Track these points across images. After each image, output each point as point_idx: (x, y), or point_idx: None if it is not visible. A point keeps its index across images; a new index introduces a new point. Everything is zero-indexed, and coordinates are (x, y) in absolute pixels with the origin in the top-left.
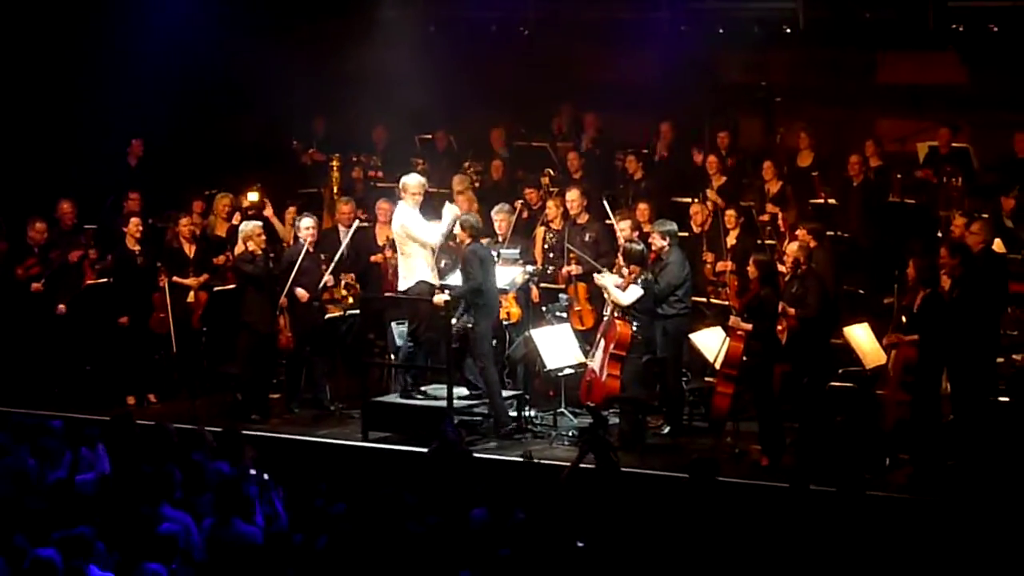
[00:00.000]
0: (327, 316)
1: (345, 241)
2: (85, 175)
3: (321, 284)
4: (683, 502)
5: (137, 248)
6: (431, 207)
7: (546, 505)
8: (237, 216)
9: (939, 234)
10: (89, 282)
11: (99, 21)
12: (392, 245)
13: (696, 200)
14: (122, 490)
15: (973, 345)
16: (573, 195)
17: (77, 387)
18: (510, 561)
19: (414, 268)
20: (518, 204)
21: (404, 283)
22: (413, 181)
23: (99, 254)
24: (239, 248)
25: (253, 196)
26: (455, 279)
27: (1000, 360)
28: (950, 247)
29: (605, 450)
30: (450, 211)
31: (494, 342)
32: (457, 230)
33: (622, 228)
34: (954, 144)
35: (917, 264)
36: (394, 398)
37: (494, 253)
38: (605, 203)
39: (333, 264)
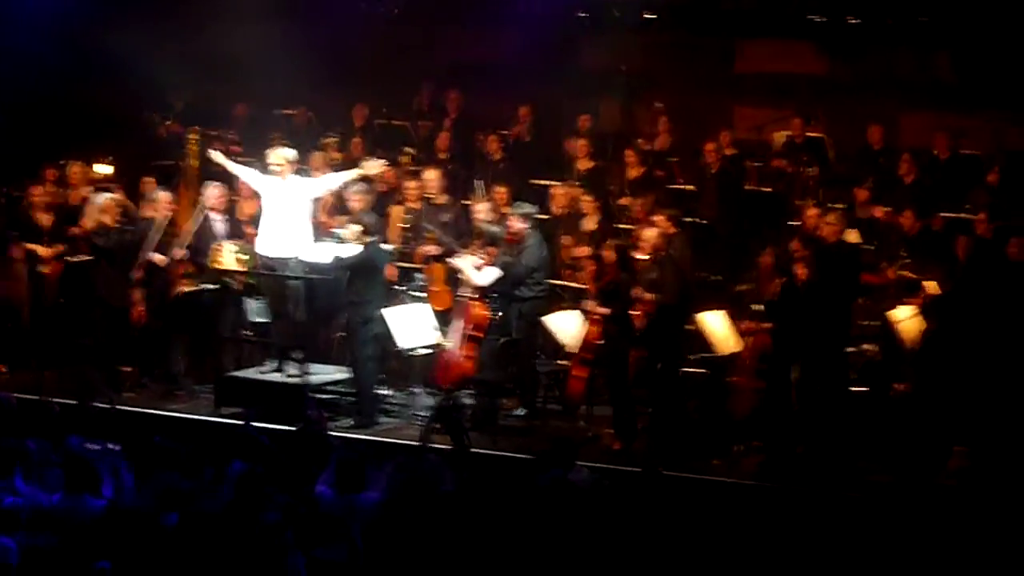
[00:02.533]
0: (185, 291)
1: (199, 219)
2: None
3: (170, 258)
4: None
5: None
6: None
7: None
8: (88, 188)
9: (794, 223)
10: None
11: None
12: (255, 221)
13: (560, 183)
14: None
15: (825, 334)
16: (432, 175)
17: None
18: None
19: (292, 236)
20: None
21: (275, 250)
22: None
23: None
24: (91, 221)
25: (105, 168)
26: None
27: (852, 350)
28: (802, 237)
29: (458, 432)
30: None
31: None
32: (355, 227)
33: (480, 209)
34: (809, 134)
35: (773, 253)
36: (248, 374)
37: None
38: (477, 183)
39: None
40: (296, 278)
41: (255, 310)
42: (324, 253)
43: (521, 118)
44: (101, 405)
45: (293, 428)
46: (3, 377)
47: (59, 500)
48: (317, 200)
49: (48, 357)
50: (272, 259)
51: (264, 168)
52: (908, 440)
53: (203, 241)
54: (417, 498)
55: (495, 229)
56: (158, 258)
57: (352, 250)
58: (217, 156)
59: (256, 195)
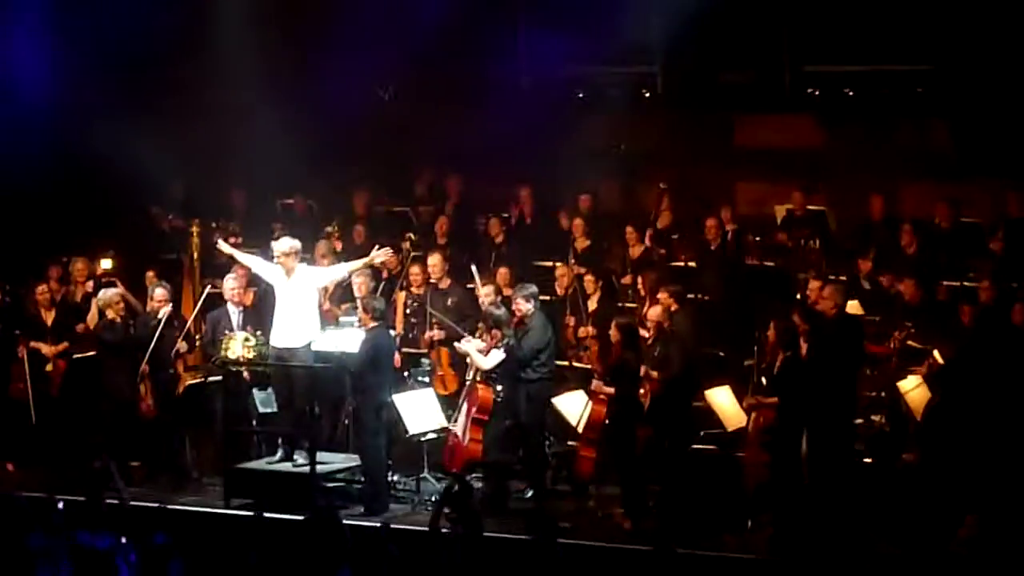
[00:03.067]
0: (188, 383)
1: (196, 308)
2: None
3: (174, 352)
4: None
5: None
6: None
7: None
8: (90, 284)
9: (797, 296)
10: None
11: None
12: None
13: (561, 264)
14: None
15: (830, 407)
16: (435, 260)
17: None
18: None
19: (303, 327)
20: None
21: (289, 340)
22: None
23: None
24: (92, 315)
25: (107, 263)
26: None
27: (859, 421)
28: (802, 312)
29: (471, 517)
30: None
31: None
32: (360, 312)
33: (484, 292)
34: (810, 207)
35: (777, 327)
36: (257, 465)
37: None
38: (473, 268)
39: (184, 331)
40: (302, 367)
41: (262, 401)
42: (332, 341)
43: (522, 199)
44: (111, 500)
45: (302, 517)
46: (11, 475)
47: None
48: (323, 288)
49: (56, 453)
50: (284, 350)
51: (269, 258)
52: (918, 510)
53: (218, 333)
54: None
55: (499, 312)
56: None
57: (358, 336)
58: (225, 247)
59: (253, 284)
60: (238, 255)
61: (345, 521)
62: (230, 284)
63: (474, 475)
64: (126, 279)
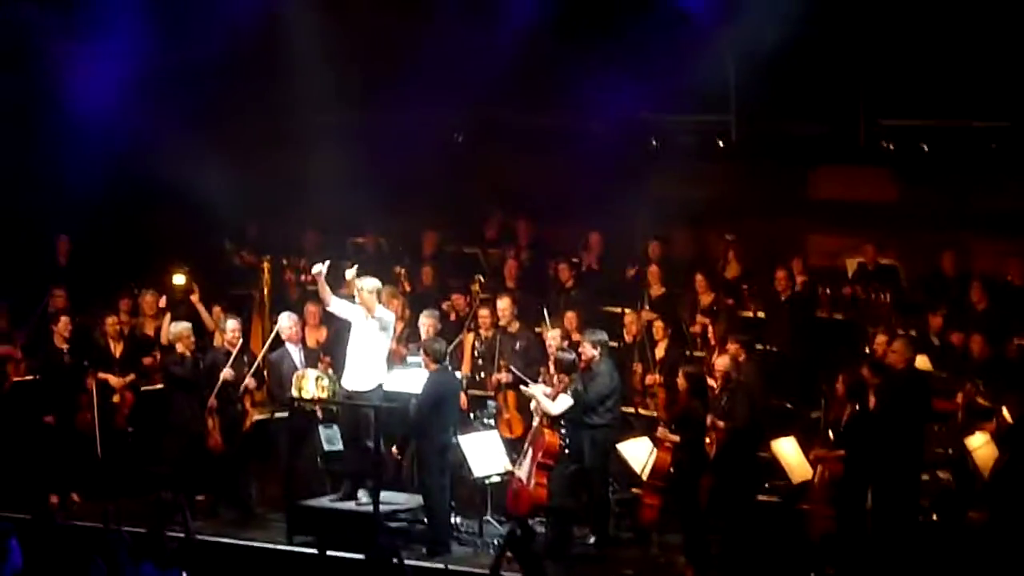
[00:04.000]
0: (255, 419)
1: (265, 345)
2: (12, 274)
3: (242, 387)
4: None
5: (65, 346)
6: None
7: None
8: (164, 300)
9: (867, 350)
10: (15, 379)
11: (23, 116)
12: (324, 349)
13: (630, 310)
14: None
15: (896, 461)
16: (504, 303)
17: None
18: None
19: (375, 369)
20: (446, 307)
21: (361, 384)
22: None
23: (24, 355)
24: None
25: (179, 279)
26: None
27: (926, 478)
28: (871, 366)
29: (532, 562)
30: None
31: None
32: (422, 355)
33: (552, 337)
34: (882, 261)
35: (846, 380)
36: (320, 502)
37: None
38: (544, 312)
39: (253, 367)
40: (369, 406)
41: (327, 438)
42: (398, 381)
43: (592, 245)
44: (176, 534)
45: (363, 556)
46: (76, 506)
47: None
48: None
49: (121, 486)
50: (354, 392)
51: (349, 298)
52: (985, 570)
53: (281, 371)
54: None
55: (568, 356)
56: (226, 373)
57: (423, 377)
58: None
59: (323, 323)
60: (331, 300)
61: (407, 562)
62: (286, 323)
63: (538, 519)
64: (201, 294)
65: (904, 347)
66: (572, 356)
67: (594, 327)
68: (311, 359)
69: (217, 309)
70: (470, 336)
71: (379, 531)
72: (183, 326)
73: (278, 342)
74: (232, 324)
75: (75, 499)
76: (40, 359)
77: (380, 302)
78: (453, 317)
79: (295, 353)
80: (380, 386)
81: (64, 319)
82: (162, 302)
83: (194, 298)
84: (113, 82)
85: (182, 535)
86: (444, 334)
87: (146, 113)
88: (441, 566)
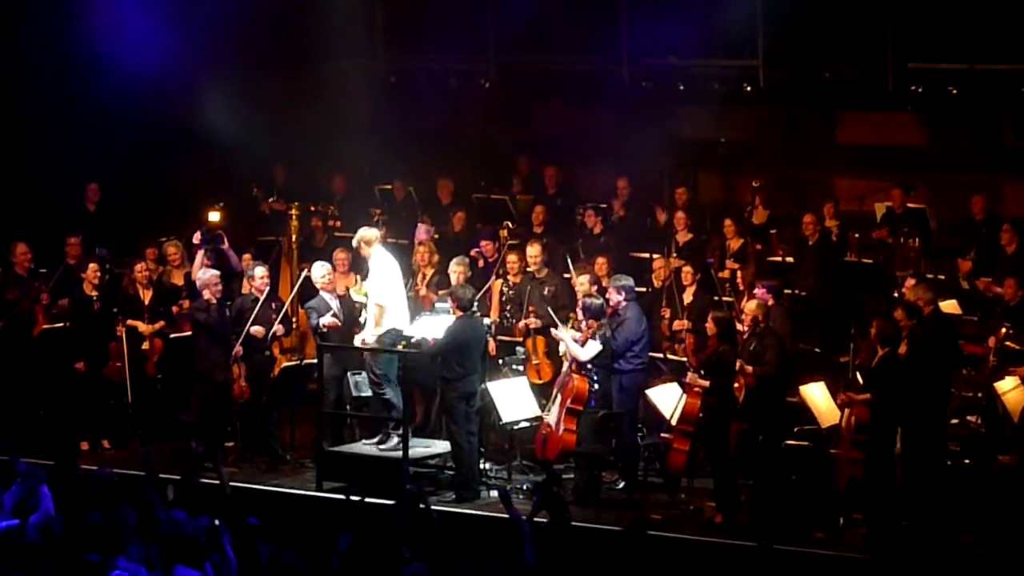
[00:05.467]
0: (285, 365)
1: (293, 292)
2: (40, 219)
3: (270, 334)
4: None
5: (94, 293)
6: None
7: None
8: (197, 236)
9: (895, 294)
10: (45, 326)
11: (53, 62)
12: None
13: (659, 256)
14: (71, 537)
15: (925, 405)
16: (534, 250)
17: (30, 431)
18: None
19: (385, 315)
20: (474, 253)
21: (374, 330)
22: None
23: (51, 299)
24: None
25: (214, 216)
26: (417, 328)
27: (955, 421)
28: (906, 308)
29: (558, 506)
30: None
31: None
32: (449, 301)
33: (580, 283)
34: (910, 205)
35: (879, 324)
36: (350, 448)
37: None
38: (568, 259)
39: (281, 314)
40: (392, 351)
41: (356, 384)
42: (426, 327)
43: (619, 191)
44: (207, 480)
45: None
46: (107, 453)
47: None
48: (421, 275)
49: (150, 433)
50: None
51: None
52: (1014, 511)
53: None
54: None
55: (596, 302)
56: (255, 329)
57: (447, 323)
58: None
59: (351, 270)
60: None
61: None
62: (319, 272)
63: (566, 465)
64: (231, 235)
65: (926, 290)
66: (600, 301)
67: (622, 273)
68: (345, 307)
69: (247, 256)
70: (498, 282)
71: (405, 477)
72: (210, 273)
73: (306, 290)
74: (260, 271)
75: (106, 446)
76: (70, 306)
77: (366, 251)
78: (482, 264)
79: (331, 301)
80: (392, 330)
81: (93, 266)
82: (196, 237)
83: (224, 246)
84: (144, 29)
85: (213, 482)
86: (473, 281)
87: (175, 60)
88: (470, 511)
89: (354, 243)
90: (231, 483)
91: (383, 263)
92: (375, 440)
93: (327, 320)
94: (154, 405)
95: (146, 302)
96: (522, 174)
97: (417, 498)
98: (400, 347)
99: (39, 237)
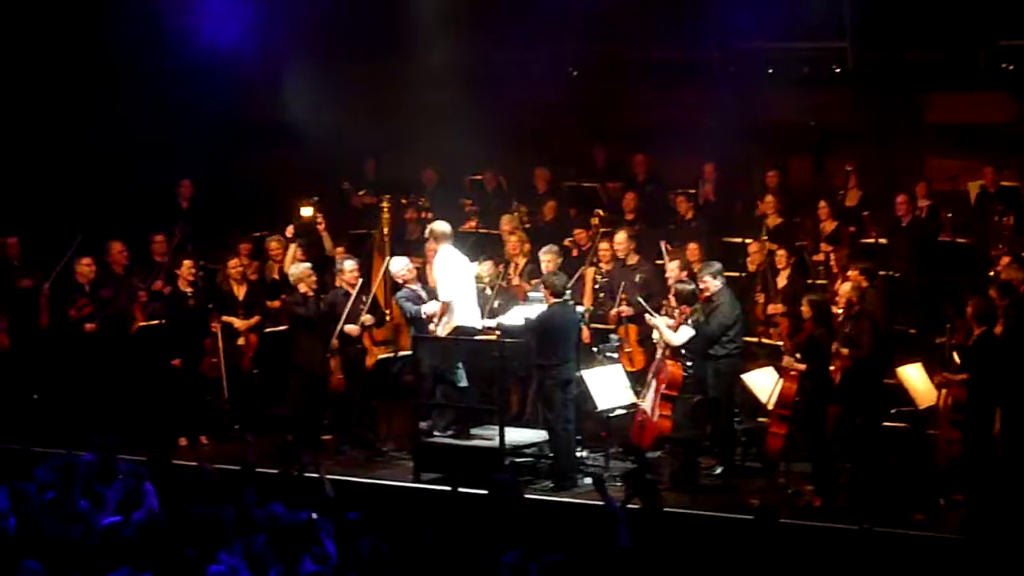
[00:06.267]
0: (380, 357)
1: (375, 284)
2: (135, 216)
3: (359, 326)
4: (743, 546)
5: (189, 290)
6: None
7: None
8: (291, 229)
9: (990, 274)
10: (141, 324)
11: (149, 59)
12: None
13: (753, 240)
14: (172, 532)
15: (1022, 384)
16: (621, 238)
17: (129, 428)
18: None
19: (452, 312)
20: (567, 242)
21: (442, 328)
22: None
23: (150, 296)
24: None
25: (307, 211)
26: (510, 318)
27: None
28: (1000, 288)
29: (650, 492)
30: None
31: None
32: (541, 291)
33: (671, 269)
34: (1003, 183)
35: (975, 303)
36: (447, 438)
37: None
38: (661, 245)
39: (365, 308)
40: (489, 341)
41: (457, 376)
42: (520, 317)
43: (706, 176)
44: (306, 474)
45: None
46: (206, 449)
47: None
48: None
49: (247, 427)
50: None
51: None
52: None
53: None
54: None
55: (687, 287)
56: (350, 328)
57: (538, 311)
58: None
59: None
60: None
61: (534, 496)
62: (396, 267)
63: (663, 451)
64: (329, 226)
65: (1014, 269)
66: (692, 286)
67: (714, 258)
68: (433, 296)
69: (340, 250)
70: (591, 270)
71: (496, 467)
72: (304, 266)
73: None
74: (350, 264)
75: (204, 442)
76: (165, 303)
77: (433, 245)
78: (575, 252)
79: (420, 292)
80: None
81: (187, 262)
82: (289, 231)
83: (320, 227)
84: (234, 23)
85: (313, 475)
86: (567, 269)
87: (263, 56)
88: (567, 499)
89: (426, 233)
90: (329, 476)
91: (448, 260)
92: (454, 431)
93: (430, 308)
94: (251, 400)
95: (240, 297)
96: (602, 160)
97: (508, 487)
98: (495, 335)
99: (134, 235)
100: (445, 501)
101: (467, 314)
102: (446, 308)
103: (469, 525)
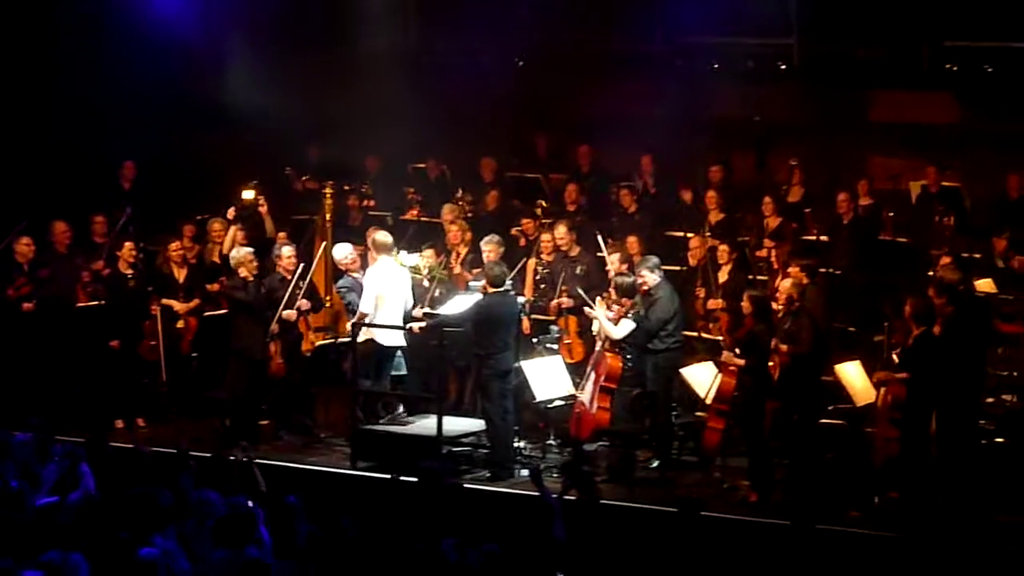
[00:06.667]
0: (318, 343)
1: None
2: (76, 196)
3: (296, 311)
4: (668, 538)
5: (129, 272)
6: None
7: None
8: (232, 211)
9: (930, 273)
10: (81, 304)
11: (92, 39)
12: None
13: (695, 235)
14: (107, 514)
15: (960, 384)
16: (560, 231)
17: (66, 409)
18: None
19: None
20: (515, 231)
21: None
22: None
23: (93, 277)
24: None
25: (248, 194)
26: (449, 307)
27: (991, 400)
28: (937, 287)
29: (587, 484)
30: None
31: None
32: (482, 281)
33: (612, 261)
34: (945, 183)
35: (914, 303)
36: (384, 426)
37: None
38: (598, 237)
39: (301, 293)
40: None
41: (396, 363)
42: (459, 306)
43: (643, 168)
44: (238, 458)
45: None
46: (141, 431)
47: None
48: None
49: (184, 410)
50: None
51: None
52: None
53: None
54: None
55: (627, 280)
56: (287, 313)
57: (473, 300)
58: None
59: None
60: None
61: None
62: (340, 254)
63: (600, 443)
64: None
65: (951, 270)
66: (631, 279)
67: (655, 252)
68: None
69: (282, 235)
70: (532, 261)
71: (432, 455)
72: (245, 251)
73: (337, 268)
74: (287, 251)
75: (141, 424)
76: (105, 284)
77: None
78: (523, 242)
79: (360, 280)
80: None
81: (128, 244)
82: (230, 213)
83: (262, 209)
84: (178, 5)
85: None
86: (514, 258)
87: (209, 37)
88: (504, 490)
89: (368, 242)
90: (264, 460)
91: (378, 275)
92: (406, 420)
93: (286, 313)
94: (189, 383)
95: (180, 280)
96: (544, 151)
97: (438, 474)
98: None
99: (75, 216)
100: (382, 488)
101: (385, 333)
102: (362, 319)
103: (404, 512)
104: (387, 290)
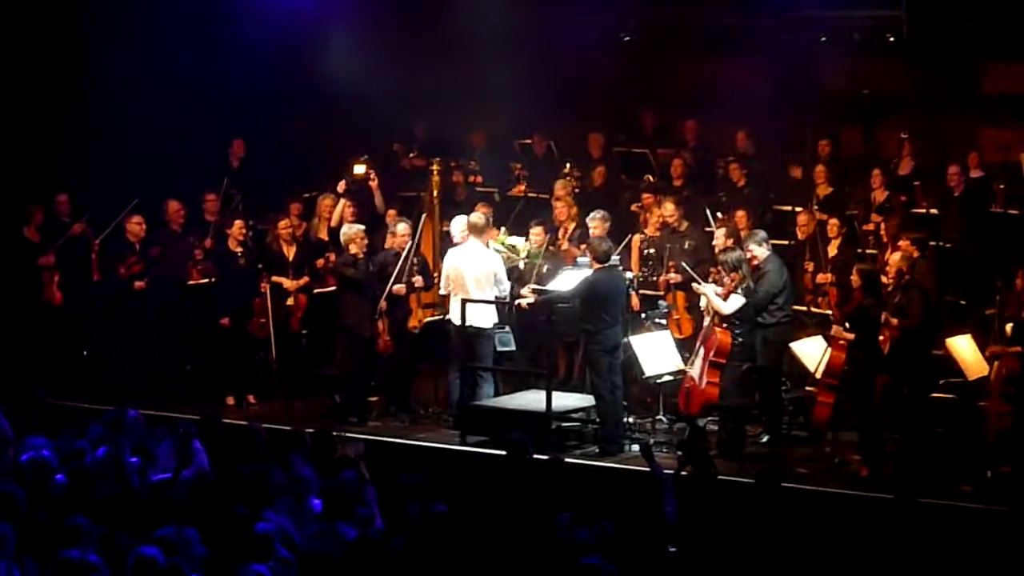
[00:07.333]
0: (426, 320)
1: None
2: (187, 175)
3: (407, 287)
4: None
5: (240, 250)
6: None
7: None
8: (342, 185)
9: None
10: (192, 283)
11: (201, 21)
12: None
13: (804, 209)
14: (221, 490)
15: None
16: (668, 208)
17: (178, 387)
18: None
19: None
20: (635, 207)
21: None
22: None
23: (204, 255)
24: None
25: (359, 168)
26: (557, 283)
27: None
28: None
29: (703, 460)
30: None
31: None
32: (588, 255)
33: (719, 236)
34: None
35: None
36: (492, 402)
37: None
38: (707, 212)
39: (414, 269)
40: (540, 304)
41: (501, 340)
42: (567, 281)
43: (738, 144)
44: (348, 435)
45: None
46: (252, 408)
47: (316, 529)
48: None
49: (295, 388)
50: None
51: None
52: None
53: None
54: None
55: (734, 255)
56: (397, 288)
57: (583, 276)
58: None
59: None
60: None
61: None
62: (458, 226)
63: (710, 418)
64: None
65: None
66: (737, 254)
67: (762, 227)
68: None
69: (392, 212)
70: (638, 237)
71: (511, 428)
72: (357, 228)
73: (447, 244)
74: (403, 227)
75: (251, 401)
76: (215, 262)
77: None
78: (643, 218)
79: None
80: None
81: (238, 222)
82: (340, 187)
83: (373, 184)
84: None
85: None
86: (618, 235)
87: (316, 14)
88: (613, 465)
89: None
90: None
91: (459, 259)
92: (515, 395)
93: (396, 287)
94: (298, 360)
95: (290, 258)
96: (650, 127)
97: (523, 446)
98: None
99: (186, 195)
100: (490, 464)
101: (456, 311)
102: (433, 297)
103: (514, 489)
104: (463, 271)
